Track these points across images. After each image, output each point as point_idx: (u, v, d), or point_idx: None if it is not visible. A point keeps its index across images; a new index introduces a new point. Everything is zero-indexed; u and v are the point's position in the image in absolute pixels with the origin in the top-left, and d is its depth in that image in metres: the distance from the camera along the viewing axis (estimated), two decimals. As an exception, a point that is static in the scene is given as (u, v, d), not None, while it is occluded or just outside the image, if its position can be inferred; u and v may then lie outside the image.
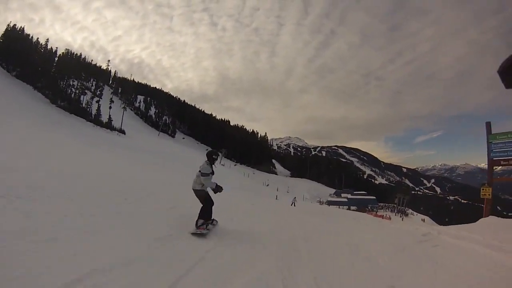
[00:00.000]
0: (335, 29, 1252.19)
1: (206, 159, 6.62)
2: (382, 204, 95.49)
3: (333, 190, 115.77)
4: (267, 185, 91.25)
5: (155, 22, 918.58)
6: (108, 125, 68.65)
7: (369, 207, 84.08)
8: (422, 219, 70.36)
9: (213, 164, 6.71)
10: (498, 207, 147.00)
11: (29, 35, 76.54)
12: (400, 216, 71.81)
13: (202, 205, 6.58)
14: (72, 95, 70.94)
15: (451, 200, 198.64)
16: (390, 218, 55.87)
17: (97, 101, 72.99)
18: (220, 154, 70.89)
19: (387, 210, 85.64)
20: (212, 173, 6.58)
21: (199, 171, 6.46)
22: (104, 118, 70.24)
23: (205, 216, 6.49)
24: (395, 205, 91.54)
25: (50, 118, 46.43)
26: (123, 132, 70.51)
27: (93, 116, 68.53)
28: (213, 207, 6.70)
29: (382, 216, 58.56)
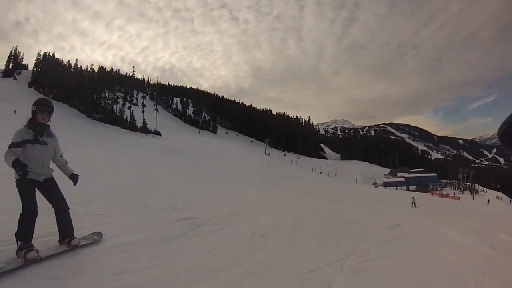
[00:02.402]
0: (358, 1, 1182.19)
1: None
2: (444, 181, 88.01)
3: (387, 170, 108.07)
4: (320, 172, 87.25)
5: (177, 27, 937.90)
6: (144, 129, 69.78)
7: (430, 186, 76.15)
8: (497, 196, 62.55)
9: (39, 123, 3.83)
10: None
11: (60, 59, 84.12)
12: (471, 194, 64.46)
13: None
14: (107, 106, 73.99)
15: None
16: (459, 198, 50.20)
17: (129, 107, 75.04)
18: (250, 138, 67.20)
19: (451, 187, 78.27)
20: (32, 141, 3.72)
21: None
22: (139, 123, 71.39)
23: (19, 232, 3.57)
24: (459, 182, 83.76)
25: (88, 131, 46.94)
26: (158, 133, 70.94)
27: (128, 123, 70.08)
28: (30, 215, 3.63)
29: (448, 196, 52.86)
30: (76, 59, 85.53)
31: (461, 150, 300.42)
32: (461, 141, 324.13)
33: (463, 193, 64.60)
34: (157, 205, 7.71)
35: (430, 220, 10.27)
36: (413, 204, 23.92)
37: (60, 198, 4.04)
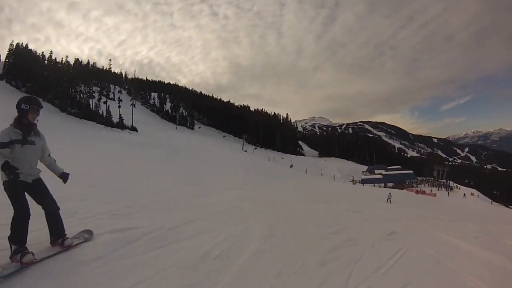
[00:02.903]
0: (339, 1, 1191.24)
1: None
2: (420, 178, 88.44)
3: (365, 167, 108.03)
4: (291, 166, 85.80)
5: (156, 21, 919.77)
6: (120, 125, 67.02)
7: (407, 183, 76.50)
8: (471, 193, 63.21)
9: (29, 122, 3.74)
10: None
11: (34, 51, 79.98)
12: (446, 191, 65.01)
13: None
14: (82, 101, 70.72)
15: (489, 169, 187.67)
16: (435, 195, 50.16)
17: (105, 102, 72.50)
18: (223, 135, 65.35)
19: (426, 184, 79.05)
20: (21, 142, 3.60)
21: None
22: (116, 119, 68.53)
23: (13, 235, 3.47)
24: (434, 179, 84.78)
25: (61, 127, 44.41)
26: (135, 129, 68.39)
27: (104, 118, 67.32)
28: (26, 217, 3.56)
29: (424, 192, 52.84)
30: (51, 51, 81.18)
31: (435, 149, 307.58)
32: (435, 140, 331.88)
33: (438, 189, 65.04)
34: (92, 210, 5.86)
35: (423, 223, 9.13)
36: (389, 199, 23.81)
37: (51, 199, 3.93)
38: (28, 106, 3.70)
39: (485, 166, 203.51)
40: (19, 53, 74.68)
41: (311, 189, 26.04)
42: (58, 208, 3.95)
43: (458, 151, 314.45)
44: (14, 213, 3.50)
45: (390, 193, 27.07)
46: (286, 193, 17.45)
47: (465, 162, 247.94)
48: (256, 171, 40.94)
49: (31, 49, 79.43)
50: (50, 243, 3.88)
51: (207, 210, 7.45)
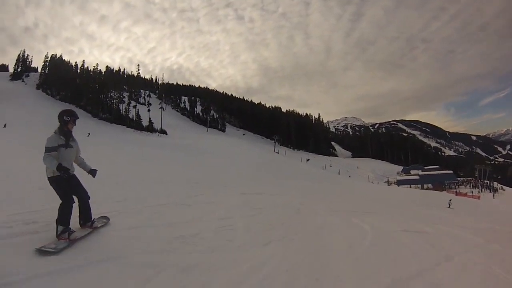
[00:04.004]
0: None
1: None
2: (460, 179, 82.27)
3: (399, 168, 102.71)
4: (325, 167, 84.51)
5: (183, 27, 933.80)
6: (149, 128, 68.62)
7: (446, 184, 71.20)
8: (520, 195, 58.84)
9: (68, 130, 4.64)
10: None
11: (67, 61, 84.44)
12: (490, 192, 61.16)
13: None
14: (113, 106, 72.99)
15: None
16: (479, 197, 47.31)
17: (134, 106, 74.01)
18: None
19: (467, 185, 75.01)
20: (65, 146, 4.56)
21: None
22: (145, 122, 70.37)
23: (61, 219, 4.40)
24: (475, 179, 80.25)
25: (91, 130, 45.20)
26: (164, 132, 69.26)
27: (134, 122, 69.55)
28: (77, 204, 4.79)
29: (466, 194, 49.87)
30: (83, 60, 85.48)
31: (474, 147, 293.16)
32: (474, 138, 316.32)
33: (481, 191, 61.37)
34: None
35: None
36: (449, 205, 21.93)
37: (84, 190, 4.87)
38: (69, 118, 4.61)
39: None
40: (54, 64, 79.03)
41: (344, 194, 23.28)
42: (89, 197, 4.91)
43: (500, 148, 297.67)
44: (62, 201, 4.44)
45: (450, 199, 23.91)
46: (312, 199, 14.61)
47: (508, 160, 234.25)
48: (282, 173, 38.77)
49: (64, 60, 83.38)
50: (80, 225, 4.85)
51: (184, 227, 5.73)
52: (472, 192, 53.07)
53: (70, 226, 4.47)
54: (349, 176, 73.58)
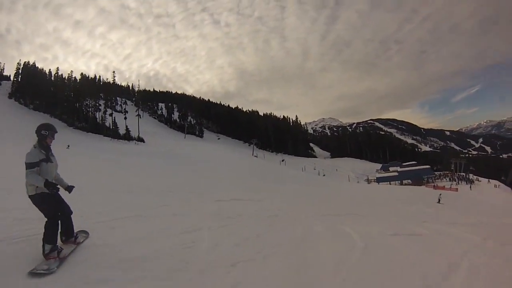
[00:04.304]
0: None
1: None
2: (437, 173, 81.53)
3: (378, 166, 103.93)
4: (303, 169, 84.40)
5: (159, 33, 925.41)
6: (126, 136, 66.32)
7: (425, 179, 71.86)
8: (495, 185, 60.09)
9: (47, 145, 4.39)
10: None
11: (41, 69, 79.76)
12: (467, 184, 62.15)
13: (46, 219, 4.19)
14: (89, 115, 70.83)
15: (505, 159, 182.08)
16: (457, 189, 47.91)
17: (110, 114, 71.80)
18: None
19: (444, 179, 76.36)
20: (46, 160, 4.28)
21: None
22: (122, 130, 68.04)
23: (49, 237, 4.10)
24: (451, 172, 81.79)
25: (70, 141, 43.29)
26: (141, 140, 67.22)
27: (110, 130, 67.15)
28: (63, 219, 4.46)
29: (444, 187, 50.38)
30: (57, 68, 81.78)
31: (448, 142, 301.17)
32: (448, 133, 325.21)
33: (458, 183, 62.45)
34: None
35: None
36: (439, 200, 21.57)
37: (67, 205, 4.60)
38: (47, 132, 4.37)
39: (501, 156, 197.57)
40: (27, 71, 74.98)
41: (326, 195, 22.99)
42: (72, 212, 4.64)
43: (472, 142, 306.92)
44: (48, 219, 4.16)
45: (440, 194, 24.27)
46: (294, 201, 14.30)
47: (480, 153, 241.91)
48: (261, 177, 37.55)
49: (37, 67, 79.23)
50: (62, 241, 4.55)
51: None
52: (451, 186, 53.71)
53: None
54: (323, 175, 73.91)
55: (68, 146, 37.83)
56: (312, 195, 22.16)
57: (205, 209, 9.00)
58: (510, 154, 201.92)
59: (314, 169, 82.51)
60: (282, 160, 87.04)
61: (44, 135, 4.31)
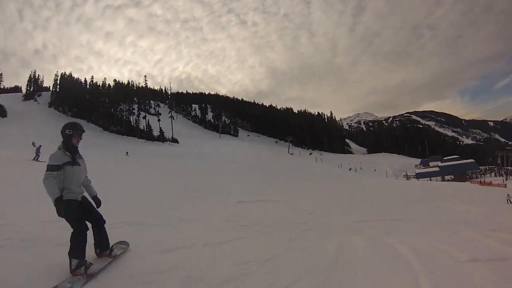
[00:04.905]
0: None
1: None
2: (482, 167, 76.28)
3: (417, 161, 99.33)
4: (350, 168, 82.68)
5: (187, 37, 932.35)
6: (160, 138, 68.85)
7: (469, 174, 67.93)
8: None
9: (73, 145, 3.89)
10: None
11: (77, 78, 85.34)
12: (517, 179, 57.65)
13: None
14: (123, 118, 74.50)
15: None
16: (505, 185, 45.26)
17: (144, 117, 75.51)
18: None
19: (491, 174, 72.11)
20: (71, 163, 3.78)
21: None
22: (156, 132, 70.65)
23: (75, 251, 3.59)
24: (498, 166, 77.23)
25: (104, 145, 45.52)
26: (175, 141, 69.30)
27: (145, 132, 70.28)
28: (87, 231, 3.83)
29: (491, 183, 47.71)
30: (92, 76, 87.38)
31: (492, 133, 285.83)
32: (491, 123, 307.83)
33: (506, 179, 58.84)
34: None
35: None
36: (508, 200, 20.46)
37: (98, 213, 4.15)
38: (72, 131, 3.88)
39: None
40: (64, 82, 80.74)
41: (365, 195, 21.09)
42: (105, 222, 4.17)
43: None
44: (73, 230, 3.66)
45: (508, 194, 21.86)
46: (327, 205, 12.34)
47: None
48: (296, 175, 36.57)
49: (74, 77, 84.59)
50: (97, 254, 4.07)
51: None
52: (503, 181, 50.81)
53: (86, 258, 3.70)
54: (361, 169, 72.20)
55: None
56: (348, 194, 20.78)
57: (220, 213, 7.85)
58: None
59: (349, 168, 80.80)
60: (310, 154, 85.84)
61: (69, 134, 3.86)
